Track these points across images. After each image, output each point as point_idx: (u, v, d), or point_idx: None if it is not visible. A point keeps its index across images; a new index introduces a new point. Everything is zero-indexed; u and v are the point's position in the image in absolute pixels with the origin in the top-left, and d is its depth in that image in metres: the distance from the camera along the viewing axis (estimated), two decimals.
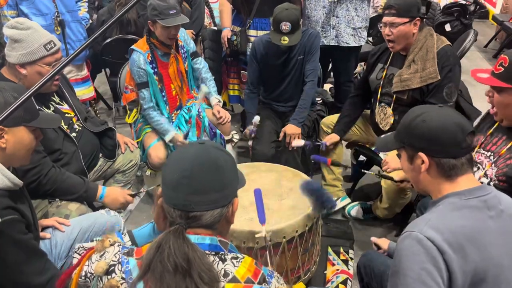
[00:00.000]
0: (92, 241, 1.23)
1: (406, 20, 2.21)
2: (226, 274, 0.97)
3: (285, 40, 2.52)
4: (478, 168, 1.77)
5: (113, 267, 1.01)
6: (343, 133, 2.63)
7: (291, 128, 2.65)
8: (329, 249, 2.39)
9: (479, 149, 1.78)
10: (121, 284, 0.98)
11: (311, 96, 2.75)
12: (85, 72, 3.37)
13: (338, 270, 2.26)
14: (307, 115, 2.76)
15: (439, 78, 2.20)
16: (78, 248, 1.18)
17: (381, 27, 2.32)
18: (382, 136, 1.53)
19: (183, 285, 0.91)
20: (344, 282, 2.18)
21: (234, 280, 0.96)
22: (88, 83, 3.41)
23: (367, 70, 2.58)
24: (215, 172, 1.00)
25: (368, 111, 2.66)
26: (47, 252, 1.66)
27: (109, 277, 1.00)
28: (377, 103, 2.47)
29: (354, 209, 2.70)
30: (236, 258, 1.01)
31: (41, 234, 1.67)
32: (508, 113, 1.61)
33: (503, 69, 1.55)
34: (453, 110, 1.25)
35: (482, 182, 1.71)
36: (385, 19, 2.26)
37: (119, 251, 1.04)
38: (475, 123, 1.92)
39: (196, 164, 0.99)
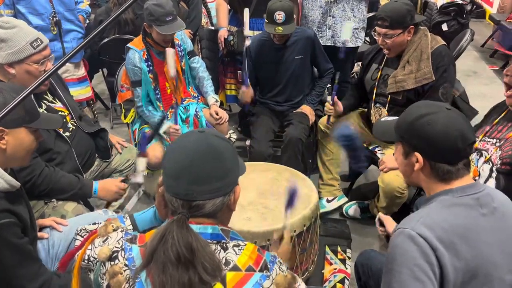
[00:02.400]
0: (94, 223, 1.19)
1: (400, 31, 2.20)
2: (227, 263, 0.96)
3: (280, 30, 2.54)
4: (481, 155, 1.78)
5: (116, 254, 1.00)
6: (348, 110, 2.66)
7: (306, 108, 2.82)
8: (327, 248, 2.39)
9: (484, 137, 1.79)
10: (124, 271, 0.98)
11: (327, 83, 2.93)
12: (82, 72, 3.35)
13: (335, 269, 2.26)
14: (319, 100, 2.90)
15: (434, 78, 2.20)
16: (81, 231, 1.17)
17: (374, 34, 2.30)
18: (383, 119, 1.50)
19: (186, 276, 0.90)
20: (342, 281, 2.18)
21: (235, 268, 0.96)
22: (85, 83, 3.39)
23: (362, 70, 2.59)
24: (215, 160, 0.99)
25: (366, 110, 2.67)
26: (44, 252, 1.67)
27: (112, 263, 0.99)
28: (373, 104, 2.48)
29: (352, 209, 2.71)
30: (238, 245, 1.00)
31: (39, 234, 1.67)
32: None
33: None
34: (460, 115, 1.21)
35: (479, 175, 1.73)
36: (378, 30, 2.25)
37: (122, 237, 1.03)
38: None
39: (196, 152, 0.98)
